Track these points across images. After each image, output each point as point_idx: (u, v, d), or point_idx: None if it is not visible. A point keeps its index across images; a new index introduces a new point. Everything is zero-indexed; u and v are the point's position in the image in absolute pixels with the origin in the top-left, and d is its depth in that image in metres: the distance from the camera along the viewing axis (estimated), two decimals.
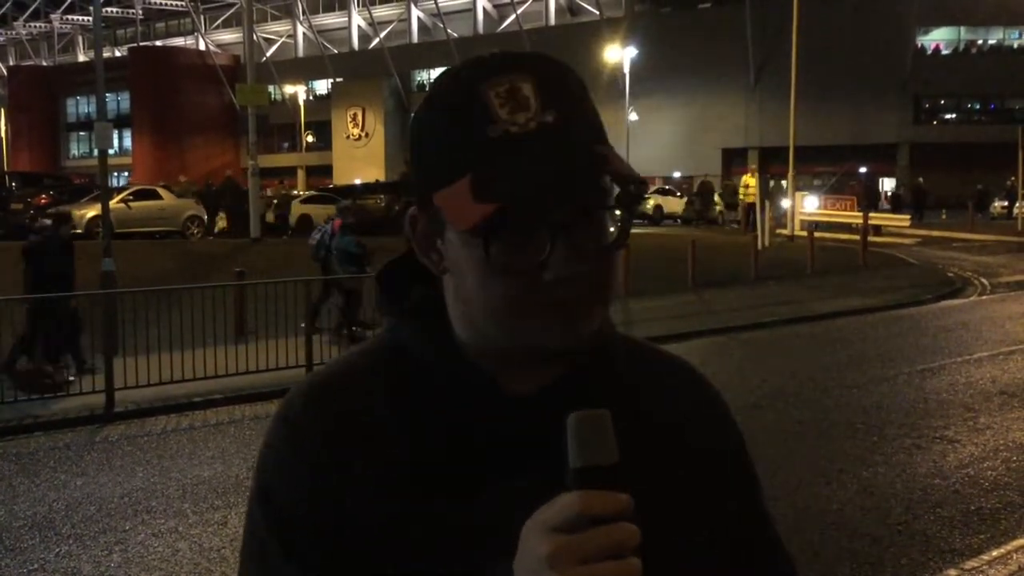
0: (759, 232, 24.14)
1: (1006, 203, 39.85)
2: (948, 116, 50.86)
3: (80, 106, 72.78)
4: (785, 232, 28.24)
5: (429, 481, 0.95)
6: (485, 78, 0.92)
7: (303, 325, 11.78)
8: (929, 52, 49.59)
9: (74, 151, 74.45)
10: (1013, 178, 36.67)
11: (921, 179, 42.55)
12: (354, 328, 12.21)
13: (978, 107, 50.40)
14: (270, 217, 27.73)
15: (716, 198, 36.75)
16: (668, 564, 0.94)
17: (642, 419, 1.02)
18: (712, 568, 1.02)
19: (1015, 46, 49.16)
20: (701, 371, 1.14)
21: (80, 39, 77.09)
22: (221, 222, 28.93)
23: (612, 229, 0.94)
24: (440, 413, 0.97)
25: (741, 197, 30.42)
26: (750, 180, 29.50)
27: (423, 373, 0.99)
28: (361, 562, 0.94)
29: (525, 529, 0.81)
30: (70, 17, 75.50)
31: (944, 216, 38.01)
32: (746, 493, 1.10)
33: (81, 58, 74.78)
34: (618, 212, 0.94)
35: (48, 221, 11.75)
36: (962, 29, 49.56)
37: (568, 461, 0.81)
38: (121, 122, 61.05)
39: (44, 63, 78.61)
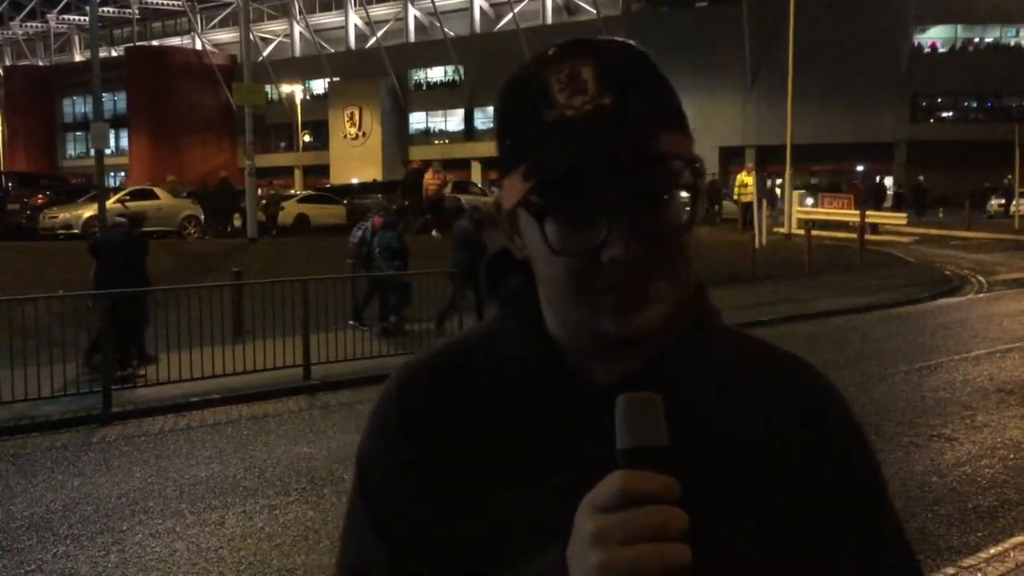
0: (756, 231, 24.14)
1: (1003, 201, 39.86)
2: (945, 114, 50.88)
3: (76, 106, 72.68)
4: (782, 231, 28.23)
5: (504, 469, 0.97)
6: (548, 64, 0.94)
7: (351, 322, 12.34)
8: (926, 50, 49.63)
9: (71, 151, 74.38)
10: (1010, 176, 36.70)
11: (922, 177, 42.58)
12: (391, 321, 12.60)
13: (975, 105, 50.41)
14: (261, 216, 27.71)
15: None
16: (738, 556, 0.94)
17: (724, 411, 1.01)
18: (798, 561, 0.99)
19: (1012, 44, 49.20)
20: (819, 370, 1.10)
21: (76, 39, 76.99)
22: (237, 221, 28.71)
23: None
24: (523, 400, 1.00)
25: (736, 196, 30.30)
26: (747, 179, 29.43)
27: (514, 361, 1.02)
28: (436, 548, 0.98)
29: (578, 510, 0.82)
30: (66, 17, 75.44)
31: (941, 214, 38.05)
32: (856, 490, 1.06)
33: (77, 58, 74.68)
34: (684, 195, 0.94)
35: (122, 220, 11.87)
36: (959, 27, 49.59)
37: (616, 442, 0.81)
38: (117, 122, 61.00)
39: (40, 63, 78.49)
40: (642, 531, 0.78)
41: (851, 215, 28.98)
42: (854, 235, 23.92)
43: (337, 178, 54.29)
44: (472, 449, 0.99)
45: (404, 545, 0.99)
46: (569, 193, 0.91)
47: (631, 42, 0.97)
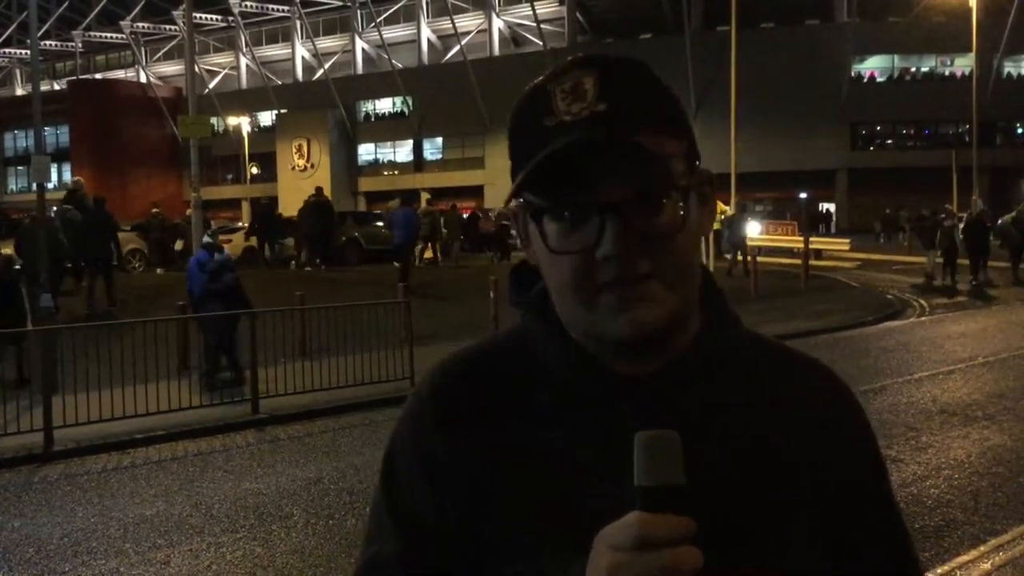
0: (703, 257, 24.32)
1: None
2: (884, 142, 52.05)
3: (18, 140, 71.48)
4: (728, 257, 28.45)
5: (529, 468, 1.00)
6: (555, 78, 0.99)
7: None
8: (864, 80, 50.79)
9: (12, 186, 73.07)
10: (948, 205, 37.55)
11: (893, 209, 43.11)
12: None
13: (913, 132, 51.64)
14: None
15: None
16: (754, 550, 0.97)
17: (743, 411, 1.04)
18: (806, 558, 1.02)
19: (947, 73, 50.53)
20: (836, 373, 1.14)
21: (18, 72, 75.91)
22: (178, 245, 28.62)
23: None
24: (551, 398, 1.02)
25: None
26: (723, 207, 29.51)
27: (541, 360, 1.05)
28: (455, 547, 1.00)
29: (595, 541, 0.85)
30: (7, 50, 74.34)
31: (882, 240, 38.76)
32: (870, 491, 1.11)
33: (19, 91, 73.56)
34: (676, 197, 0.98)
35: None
36: (896, 57, 50.86)
37: (635, 478, 0.83)
38: (60, 156, 60.05)
39: None
40: (655, 573, 0.81)
41: (795, 241, 29.38)
42: (799, 261, 24.26)
43: (286, 210, 53.81)
44: (500, 449, 1.02)
45: (423, 541, 1.02)
46: (563, 189, 0.95)
47: (636, 58, 1.02)
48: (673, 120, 1.01)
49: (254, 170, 62.73)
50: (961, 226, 24.35)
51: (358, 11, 61.25)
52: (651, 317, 0.95)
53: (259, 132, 63.02)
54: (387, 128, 60.84)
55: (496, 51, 57.35)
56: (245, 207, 61.52)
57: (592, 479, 0.97)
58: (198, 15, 56.22)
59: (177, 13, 59.82)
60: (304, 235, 26.33)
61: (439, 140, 58.31)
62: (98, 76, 71.40)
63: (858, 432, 1.11)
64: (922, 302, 19.86)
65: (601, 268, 0.95)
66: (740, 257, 24.94)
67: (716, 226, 27.97)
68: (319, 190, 27.57)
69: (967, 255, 22.93)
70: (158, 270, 27.19)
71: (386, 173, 61.26)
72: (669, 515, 0.82)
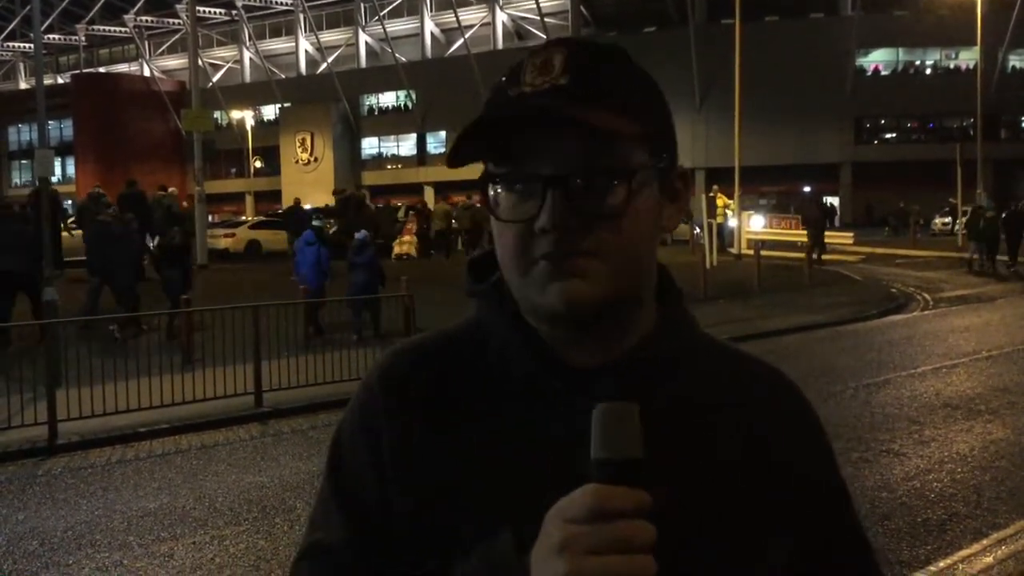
0: (706, 251, 24.34)
1: (947, 220, 40.63)
2: (888, 135, 51.92)
3: (22, 134, 71.59)
4: (732, 251, 28.46)
5: (477, 452, 0.99)
6: (532, 53, 0.99)
7: None
8: (869, 73, 50.66)
9: (16, 180, 73.13)
10: (952, 199, 37.48)
11: (902, 203, 43.07)
12: None
13: (917, 126, 51.50)
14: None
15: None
16: (700, 552, 0.96)
17: (699, 413, 1.03)
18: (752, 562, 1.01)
19: (952, 66, 50.39)
20: (788, 377, 1.14)
21: (21, 66, 75.91)
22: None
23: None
24: (501, 383, 1.02)
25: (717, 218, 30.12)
26: (725, 201, 29.47)
27: (495, 347, 1.04)
28: (400, 534, 1.00)
29: (547, 516, 0.84)
30: (11, 44, 74.36)
31: (887, 232, 38.66)
32: (826, 502, 1.09)
33: (23, 85, 73.59)
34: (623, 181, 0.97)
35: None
36: (900, 50, 50.71)
37: (591, 451, 0.82)
38: (64, 150, 60.05)
39: None
40: (609, 544, 0.79)
41: (799, 235, 29.32)
42: (803, 255, 24.24)
43: (289, 204, 53.89)
44: (458, 440, 1.00)
45: (369, 530, 1.02)
46: (517, 160, 0.95)
47: (617, 45, 1.01)
48: (640, 105, 0.99)
49: (258, 164, 62.71)
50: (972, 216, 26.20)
51: (361, 4, 61.19)
52: (582, 291, 0.95)
53: (263, 126, 62.97)
54: (390, 122, 60.78)
55: (500, 45, 57.23)
56: (249, 201, 61.56)
57: (554, 470, 0.94)
58: (201, 9, 56.20)
59: (180, 7, 59.85)
60: (344, 232, 28.13)
61: (442, 134, 58.23)
62: (102, 70, 71.41)
63: (814, 435, 1.11)
64: (926, 296, 19.84)
65: (538, 241, 0.95)
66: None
67: (719, 219, 27.99)
68: (343, 191, 31.47)
69: (1007, 244, 24.94)
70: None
71: (389, 167, 61.21)
72: (625, 488, 0.80)
